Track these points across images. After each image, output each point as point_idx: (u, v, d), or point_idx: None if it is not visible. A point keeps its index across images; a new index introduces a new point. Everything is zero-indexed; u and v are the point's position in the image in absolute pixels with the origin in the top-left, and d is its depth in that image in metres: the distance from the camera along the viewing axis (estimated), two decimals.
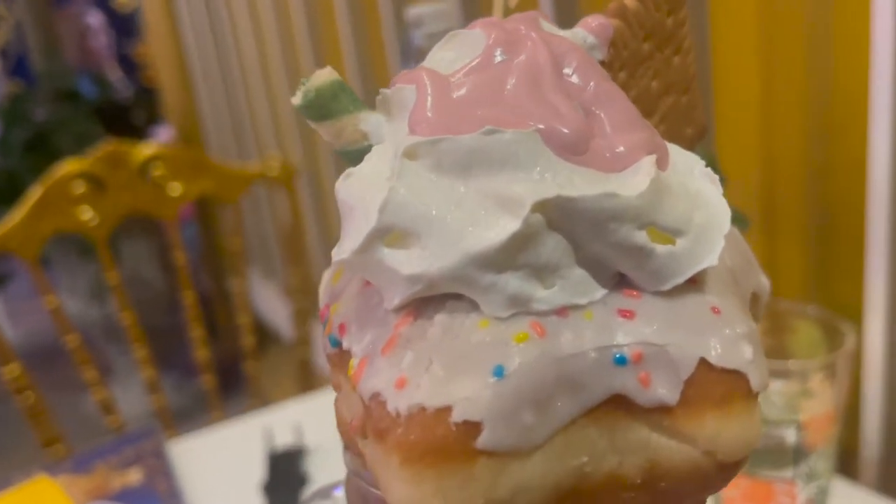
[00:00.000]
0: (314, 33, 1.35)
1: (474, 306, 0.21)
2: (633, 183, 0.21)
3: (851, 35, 0.65)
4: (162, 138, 2.10)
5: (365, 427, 0.22)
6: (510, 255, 0.20)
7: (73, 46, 2.47)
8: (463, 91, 0.22)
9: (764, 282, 0.27)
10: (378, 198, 0.21)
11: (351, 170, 0.23)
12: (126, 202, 1.10)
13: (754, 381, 0.21)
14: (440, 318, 0.21)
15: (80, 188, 1.07)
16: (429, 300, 0.22)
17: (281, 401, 0.91)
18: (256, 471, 0.77)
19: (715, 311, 0.22)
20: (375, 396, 0.21)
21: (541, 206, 0.20)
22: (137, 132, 2.09)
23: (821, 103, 0.70)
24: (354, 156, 0.25)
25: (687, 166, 0.23)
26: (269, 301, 1.85)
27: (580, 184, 0.20)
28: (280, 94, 1.54)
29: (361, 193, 0.22)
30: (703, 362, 0.21)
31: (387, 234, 0.21)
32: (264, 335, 1.89)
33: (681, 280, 0.21)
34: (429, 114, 0.22)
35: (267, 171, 1.15)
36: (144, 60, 2.38)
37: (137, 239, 1.96)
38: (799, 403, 0.56)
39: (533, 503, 0.20)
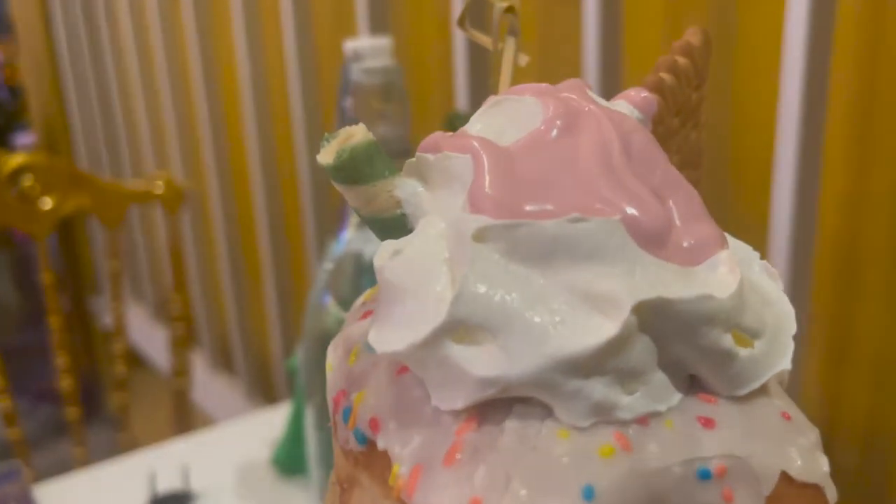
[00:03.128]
0: (205, 49, 1.28)
1: (546, 411, 0.19)
2: (720, 282, 0.19)
3: (757, 62, 0.66)
4: (23, 143, 1.94)
5: None
6: (601, 361, 0.18)
7: None
8: (528, 167, 0.20)
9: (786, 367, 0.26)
10: (439, 285, 0.19)
11: (396, 246, 0.20)
12: None
13: (830, 495, 0.20)
14: (510, 424, 0.19)
15: None
16: (493, 402, 0.19)
17: (152, 432, 0.85)
18: None
19: (786, 416, 0.21)
20: None
21: (639, 309, 0.18)
22: None
23: (723, 136, 0.70)
24: (384, 224, 0.23)
25: (745, 259, 0.22)
26: (138, 325, 1.72)
27: (670, 282, 0.19)
28: (165, 109, 1.45)
29: (414, 276, 0.20)
30: (785, 476, 0.20)
31: (456, 329, 0.19)
32: (131, 361, 1.77)
33: (756, 385, 0.20)
34: (490, 191, 0.20)
35: (151, 189, 1.08)
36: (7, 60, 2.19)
37: None
38: None
39: None
